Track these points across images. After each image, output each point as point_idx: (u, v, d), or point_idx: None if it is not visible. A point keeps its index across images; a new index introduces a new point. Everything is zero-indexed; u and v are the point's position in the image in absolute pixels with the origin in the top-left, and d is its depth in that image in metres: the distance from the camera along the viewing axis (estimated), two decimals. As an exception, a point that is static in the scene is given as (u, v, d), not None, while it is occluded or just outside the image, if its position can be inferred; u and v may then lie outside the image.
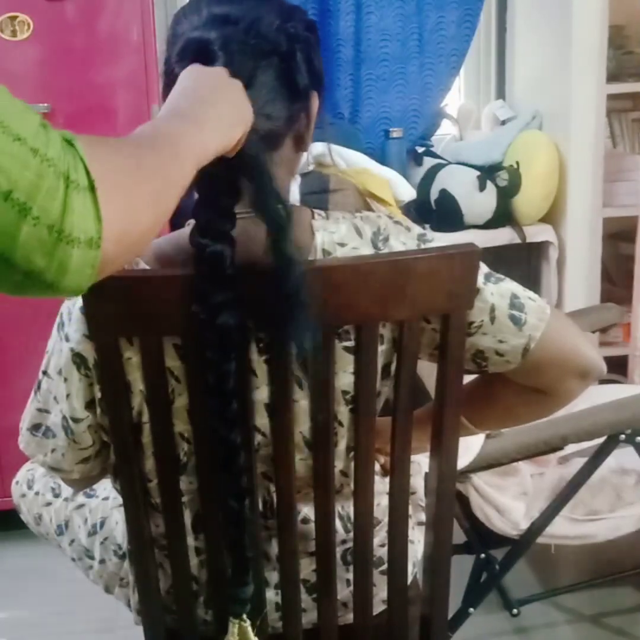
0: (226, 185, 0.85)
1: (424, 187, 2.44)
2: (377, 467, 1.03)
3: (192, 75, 0.83)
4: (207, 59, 0.85)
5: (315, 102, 0.95)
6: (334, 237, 0.92)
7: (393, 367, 0.97)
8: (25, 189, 0.52)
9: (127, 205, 0.60)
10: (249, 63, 0.87)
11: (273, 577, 1.03)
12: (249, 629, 0.94)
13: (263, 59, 0.88)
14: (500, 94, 2.81)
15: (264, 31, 0.88)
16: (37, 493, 1.26)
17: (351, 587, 1.04)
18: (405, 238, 0.95)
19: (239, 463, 0.90)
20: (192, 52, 0.86)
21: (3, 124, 0.52)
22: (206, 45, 0.86)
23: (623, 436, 1.55)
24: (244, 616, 0.94)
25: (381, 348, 0.95)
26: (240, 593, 0.93)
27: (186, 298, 0.85)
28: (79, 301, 0.91)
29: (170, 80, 0.90)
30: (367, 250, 0.93)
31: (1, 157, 0.52)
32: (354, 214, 0.96)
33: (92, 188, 0.56)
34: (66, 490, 1.22)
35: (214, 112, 0.78)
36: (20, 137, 0.53)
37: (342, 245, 0.92)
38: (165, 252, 0.93)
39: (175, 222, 0.91)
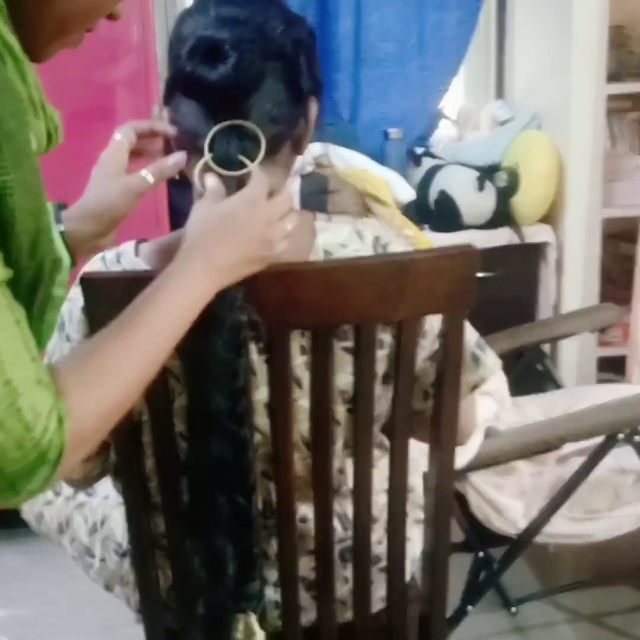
0: None
1: (423, 187, 2.45)
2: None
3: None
4: (218, 57, 0.87)
5: (314, 108, 0.96)
6: (336, 238, 0.94)
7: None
8: (9, 464, 0.64)
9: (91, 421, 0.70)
10: (258, 63, 0.88)
11: (272, 575, 1.03)
12: (254, 622, 0.94)
13: (270, 60, 0.90)
14: (500, 94, 2.81)
15: (271, 34, 0.90)
16: (37, 492, 1.26)
17: (349, 585, 1.05)
18: (405, 248, 0.97)
19: (248, 460, 0.90)
20: (204, 49, 0.88)
21: (20, 410, 0.62)
22: (218, 43, 0.87)
23: (621, 435, 1.55)
24: (248, 611, 0.94)
25: (382, 353, 0.95)
26: (248, 589, 0.94)
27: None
28: (79, 302, 0.91)
29: (176, 79, 0.91)
30: (368, 253, 0.94)
31: (7, 438, 0.63)
32: (355, 219, 0.97)
33: (58, 462, 0.66)
34: (67, 489, 1.22)
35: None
36: (29, 427, 0.63)
37: (344, 246, 0.93)
38: (167, 252, 0.93)
39: (176, 222, 0.92)
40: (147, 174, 0.93)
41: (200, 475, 0.91)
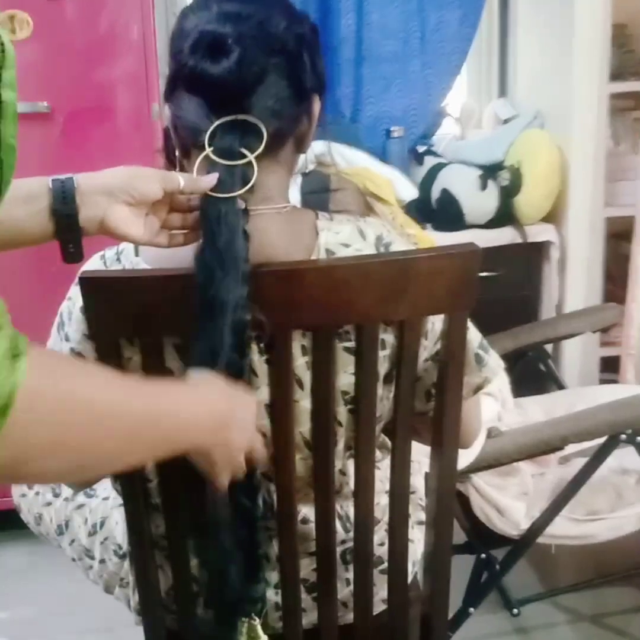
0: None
1: (425, 186, 2.44)
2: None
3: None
4: (221, 52, 0.86)
5: (317, 105, 0.95)
6: (338, 237, 0.93)
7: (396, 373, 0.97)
8: None
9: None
10: (261, 59, 0.88)
11: (273, 577, 1.03)
12: (259, 626, 0.94)
13: (273, 56, 0.89)
14: (502, 92, 2.81)
15: (274, 30, 0.89)
16: (37, 493, 1.26)
17: (351, 587, 1.04)
18: (407, 247, 0.96)
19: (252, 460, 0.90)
20: (207, 44, 0.87)
21: None
22: (221, 38, 0.87)
23: (624, 436, 1.55)
24: (253, 614, 0.94)
25: (384, 353, 0.95)
26: (252, 591, 0.93)
27: (186, 298, 0.85)
28: (79, 301, 0.91)
29: (178, 74, 0.90)
30: (370, 252, 0.93)
31: None
32: (357, 218, 0.96)
33: (5, 411, 0.56)
34: (66, 490, 1.22)
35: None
36: None
37: (346, 245, 0.93)
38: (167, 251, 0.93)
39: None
40: (180, 177, 0.88)
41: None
